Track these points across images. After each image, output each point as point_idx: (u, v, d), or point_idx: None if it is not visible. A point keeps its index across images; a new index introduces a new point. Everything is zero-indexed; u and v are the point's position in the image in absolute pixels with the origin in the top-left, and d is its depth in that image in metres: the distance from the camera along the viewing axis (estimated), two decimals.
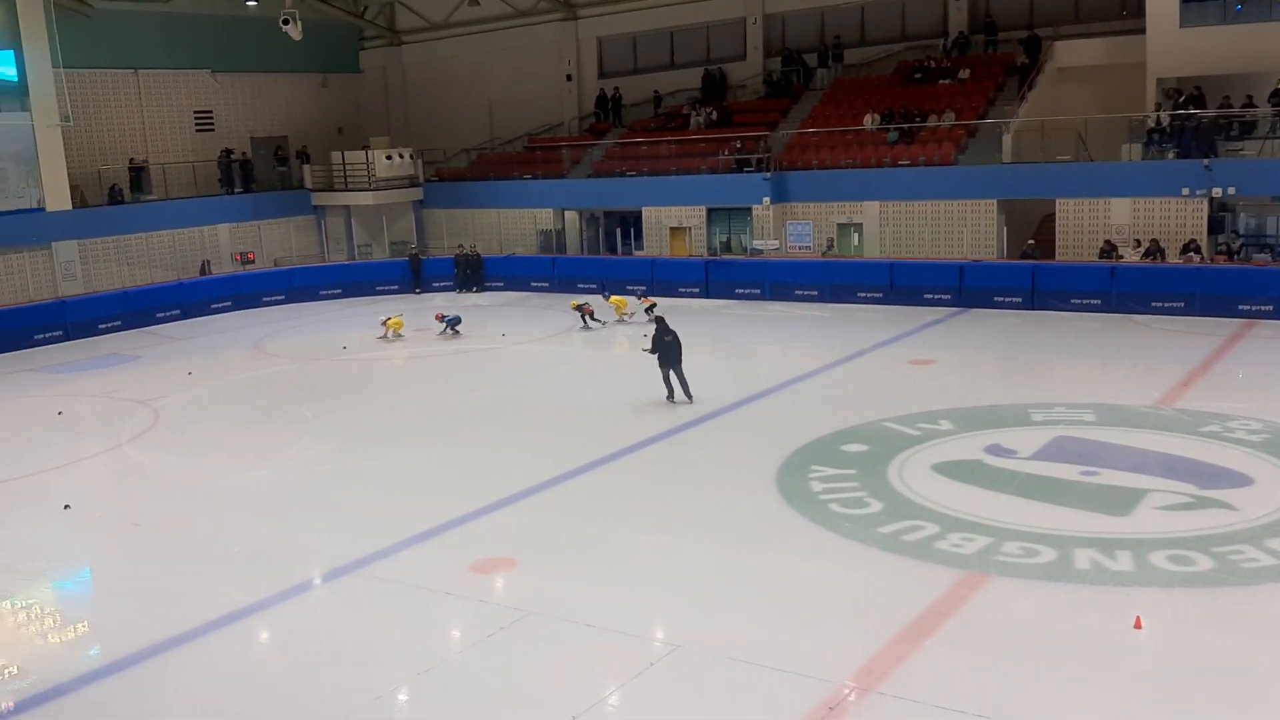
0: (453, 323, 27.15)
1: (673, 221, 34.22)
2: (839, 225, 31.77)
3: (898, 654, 9.97)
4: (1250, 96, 27.86)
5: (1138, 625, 10.25)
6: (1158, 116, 28.21)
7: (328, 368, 24.93)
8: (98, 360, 26.60)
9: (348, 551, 13.07)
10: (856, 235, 31.59)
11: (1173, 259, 26.80)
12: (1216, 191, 26.67)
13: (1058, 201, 28.86)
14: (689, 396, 19.34)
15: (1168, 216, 27.52)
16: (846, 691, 9.30)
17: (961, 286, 27.89)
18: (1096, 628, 10.38)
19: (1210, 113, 27.62)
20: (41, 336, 29.06)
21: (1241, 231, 27.98)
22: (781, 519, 13.64)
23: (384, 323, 27.32)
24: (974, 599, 11.09)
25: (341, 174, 37.84)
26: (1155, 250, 27.00)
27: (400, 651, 10.57)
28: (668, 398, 19.44)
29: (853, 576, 11.88)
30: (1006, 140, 29.61)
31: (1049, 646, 10.03)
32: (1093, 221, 28.35)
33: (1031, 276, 27.16)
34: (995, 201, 29.47)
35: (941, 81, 32.79)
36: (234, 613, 11.59)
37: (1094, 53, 31.45)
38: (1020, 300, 27.09)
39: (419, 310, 31.21)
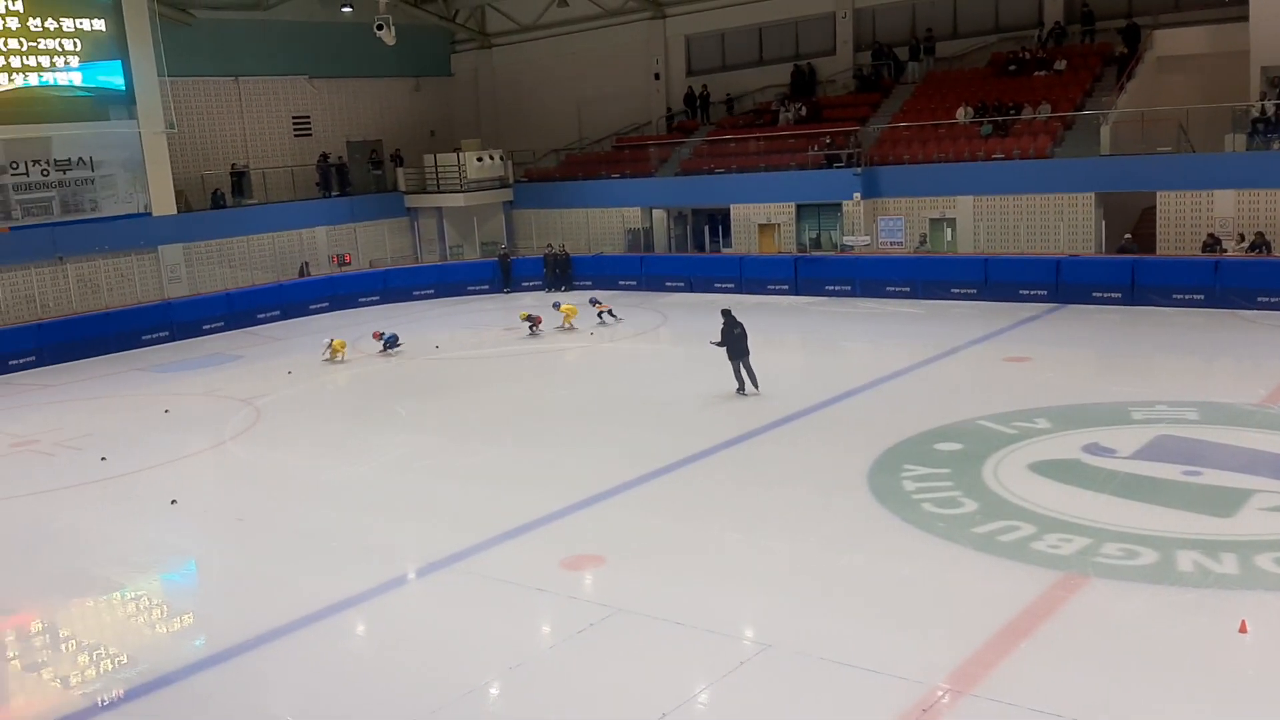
0: (390, 341, 26.16)
1: (761, 218, 34.08)
2: (931, 220, 31.32)
3: (992, 656, 9.81)
4: None
5: (1243, 629, 9.93)
6: (1262, 106, 27.28)
7: (421, 366, 25.35)
8: (202, 360, 27.43)
9: (442, 546, 13.30)
10: (950, 230, 31.11)
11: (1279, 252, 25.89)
12: None
13: (1158, 194, 28.06)
14: (756, 387, 19.65)
15: (1274, 209, 26.58)
16: (940, 694, 9.19)
17: (1058, 282, 27.29)
18: (1199, 632, 10.09)
19: None
20: (149, 337, 30.09)
21: None
22: (873, 519, 13.50)
23: (328, 345, 25.77)
24: (1072, 601, 10.86)
25: (434, 176, 38.46)
26: (1261, 244, 26.10)
27: (491, 646, 10.72)
28: (738, 390, 19.70)
29: (946, 577, 11.72)
30: (1105, 132, 28.87)
31: (1149, 651, 9.79)
32: (1195, 214, 27.50)
33: (1131, 271, 26.45)
34: (1093, 195, 28.76)
35: (1037, 73, 32.12)
36: (332, 606, 11.87)
37: (1195, 41, 30.53)
38: (1119, 296, 26.39)
39: (506, 309, 31.57)
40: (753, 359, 19.81)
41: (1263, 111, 27.26)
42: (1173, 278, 25.95)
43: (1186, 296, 25.56)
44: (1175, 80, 30.49)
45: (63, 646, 11.73)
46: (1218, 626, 10.08)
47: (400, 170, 39.38)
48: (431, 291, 35.72)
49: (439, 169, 38.35)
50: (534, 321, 27.40)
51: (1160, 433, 16.01)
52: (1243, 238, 26.52)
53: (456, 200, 38.14)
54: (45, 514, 16.05)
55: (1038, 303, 27.17)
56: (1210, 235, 27.00)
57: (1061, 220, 29.11)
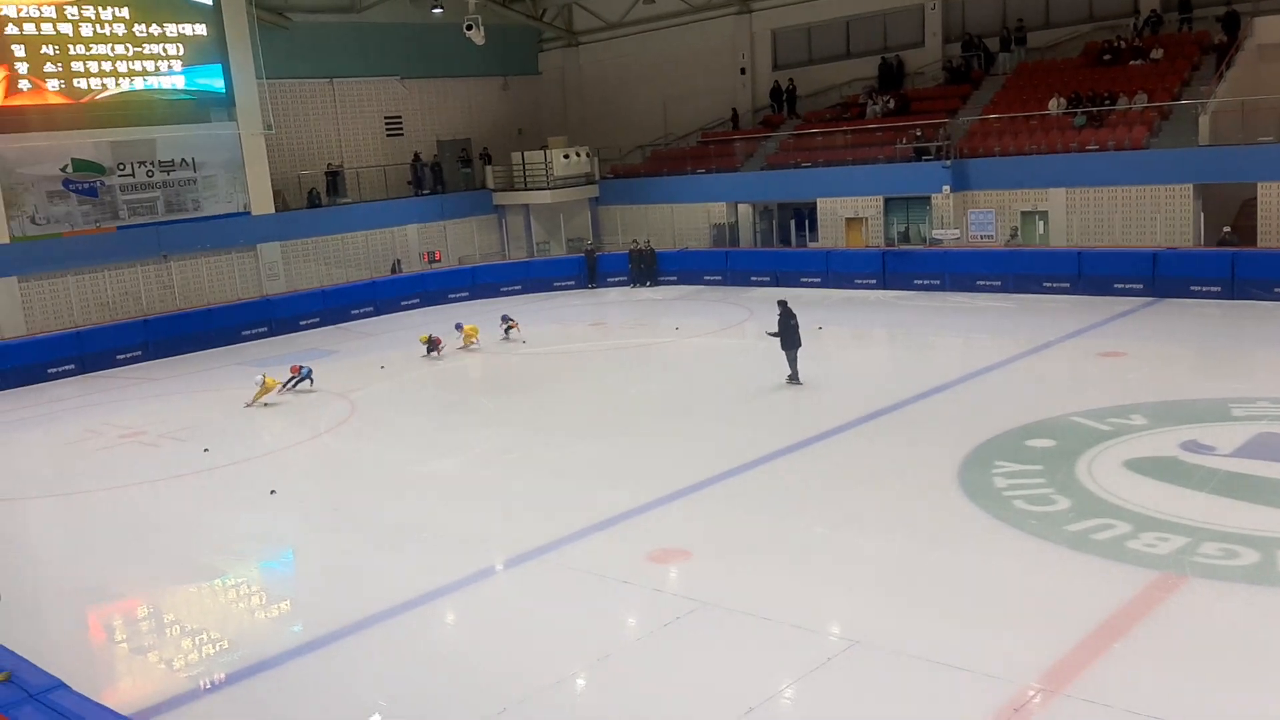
0: (305, 376, 23.28)
1: (848, 212, 33.79)
2: (1023, 213, 30.75)
3: (1086, 656, 9.65)
4: None
5: None
6: None
7: (509, 361, 25.67)
8: (299, 354, 28.09)
9: (529, 539, 13.48)
10: (1042, 223, 30.51)
11: None
12: None
13: (1259, 185, 27.16)
14: (799, 379, 20.39)
15: None
16: (1032, 693, 9.07)
17: (1155, 275, 26.59)
18: None
19: None
20: (249, 332, 30.97)
21: None
22: (964, 515, 13.34)
23: (259, 382, 22.42)
24: (1168, 601, 10.63)
25: (521, 173, 38.86)
26: None
27: (579, 637, 10.85)
28: (790, 379, 20.34)
29: (1039, 576, 11.54)
30: (1203, 122, 28.04)
31: (1249, 654, 9.54)
32: None
33: (1231, 264, 25.66)
34: (1191, 186, 27.97)
35: (1132, 62, 31.30)
36: (423, 595, 12.13)
37: None
38: (1219, 290, 25.62)
39: (593, 305, 31.78)
40: (842, 353, 19.72)
41: None
42: (1275, 271, 25.11)
43: None
44: (1276, 69, 29.47)
45: (167, 631, 12.17)
46: None
47: (489, 168, 39.88)
48: (519, 287, 36.12)
49: (526, 166, 38.75)
50: (434, 344, 25.98)
51: (1262, 430, 15.55)
52: None
53: (543, 197, 38.49)
54: (151, 503, 16.65)
55: (1133, 296, 26.52)
56: None
57: (1158, 212, 28.36)
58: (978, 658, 9.69)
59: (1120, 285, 26.95)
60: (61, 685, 8.27)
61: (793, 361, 20.44)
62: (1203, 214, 28.06)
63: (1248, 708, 8.66)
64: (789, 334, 20.36)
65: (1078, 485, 13.91)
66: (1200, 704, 8.72)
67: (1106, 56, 32.00)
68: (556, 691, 9.88)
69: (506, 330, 27.53)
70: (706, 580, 11.99)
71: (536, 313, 32.18)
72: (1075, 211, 29.74)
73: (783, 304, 20.65)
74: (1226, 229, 27.58)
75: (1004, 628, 10.36)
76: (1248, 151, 27.16)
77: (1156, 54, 31.09)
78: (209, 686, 10.58)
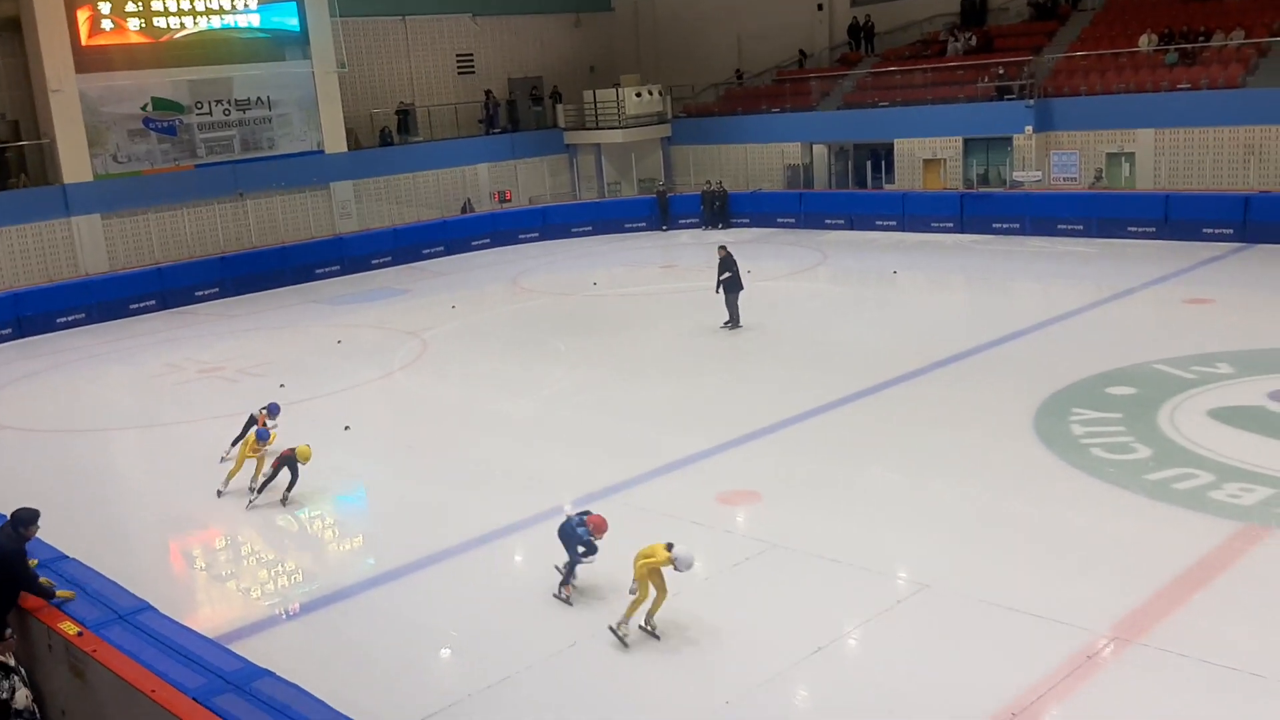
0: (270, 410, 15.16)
1: (926, 154, 33.06)
2: (1108, 155, 29.82)
3: (1164, 606, 9.46)
4: None
5: None
6: None
7: (580, 302, 25.69)
8: (371, 293, 28.43)
9: (600, 478, 13.53)
10: (1128, 165, 29.58)
11: None
12: None
13: None
14: (739, 324, 20.94)
15: None
16: (1104, 642, 8.92)
17: (1246, 220, 25.68)
18: None
19: None
20: (322, 271, 31.34)
21: None
22: (1039, 462, 13.12)
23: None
24: (1251, 553, 10.37)
25: (593, 112, 38.57)
26: None
27: None
28: (728, 324, 20.87)
29: (1116, 524, 11.32)
30: None
31: None
32: None
33: None
34: None
35: None
36: (494, 531, 12.26)
37: None
38: None
39: (665, 246, 31.61)
40: (917, 298, 19.38)
41: None
42: None
43: None
44: None
45: (246, 560, 12.46)
46: None
47: (560, 107, 39.65)
48: (590, 229, 36.03)
49: (598, 105, 38.44)
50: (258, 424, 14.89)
51: None
52: None
53: (615, 136, 38.20)
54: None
55: (1223, 242, 25.67)
56: None
57: (1252, 155, 27.33)
58: (1050, 605, 9.54)
59: (1209, 230, 26.09)
60: (149, 607, 8.51)
61: (732, 306, 20.81)
62: None
63: None
64: (732, 280, 20.73)
65: (1159, 434, 13.58)
66: (1278, 658, 8.51)
67: None
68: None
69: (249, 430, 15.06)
70: (776, 522, 11.95)
71: (607, 254, 32.11)
72: (1164, 153, 28.77)
73: (723, 249, 20.94)
74: None
75: (1078, 576, 10.19)
76: None
77: None
78: (287, 614, 10.83)
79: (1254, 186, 26.87)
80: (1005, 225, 29.64)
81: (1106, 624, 9.17)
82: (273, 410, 15.14)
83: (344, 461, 15.43)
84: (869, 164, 35.13)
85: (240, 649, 8.68)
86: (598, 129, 38.51)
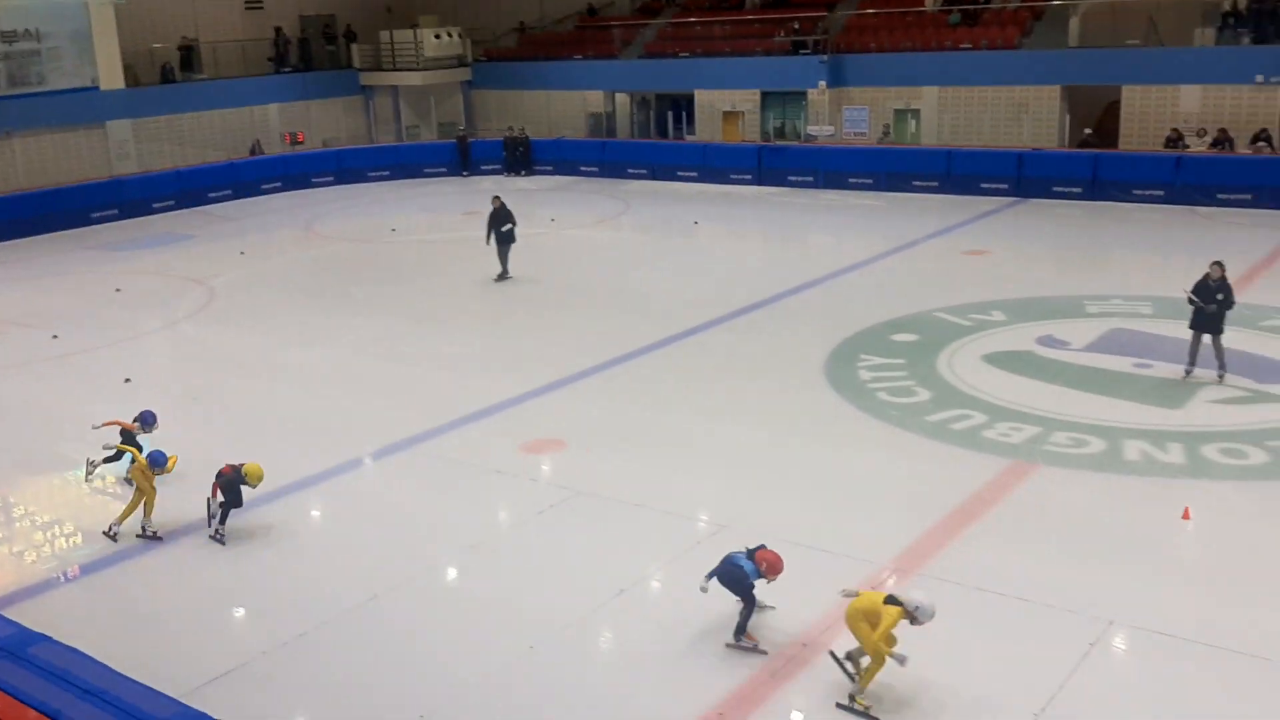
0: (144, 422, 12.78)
1: (726, 106, 33.60)
2: (896, 111, 31.05)
3: (941, 538, 10.05)
4: None
5: (1185, 516, 10.22)
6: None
7: (378, 249, 25.05)
8: (153, 239, 26.91)
9: (399, 429, 13.30)
10: (914, 122, 30.88)
11: (1241, 149, 25.97)
12: None
13: (1124, 89, 27.94)
14: (509, 274, 20.87)
15: (1239, 105, 26.59)
16: (887, 573, 9.42)
17: (1020, 176, 27.25)
18: (1144, 518, 10.38)
19: None
20: (98, 215, 29.37)
21: None
22: (829, 406, 13.66)
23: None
24: (1020, 487, 11.11)
25: (389, 53, 37.43)
26: (1223, 140, 26.16)
27: (450, 526, 10.81)
28: (500, 276, 20.78)
29: (898, 463, 11.92)
30: (1073, 24, 28.57)
31: (1095, 535, 10.07)
32: (1159, 110, 27.47)
33: (1093, 166, 26.46)
34: (1059, 88, 28.60)
35: None
36: (290, 485, 11.89)
37: None
38: (1080, 191, 26.41)
39: (466, 192, 31.14)
40: (717, 248, 19.77)
41: (1233, 5, 27.04)
42: (1134, 173, 25.99)
43: (1147, 192, 25.62)
44: None
45: (18, 524, 11.69)
46: (1162, 513, 10.37)
47: (355, 47, 38.28)
48: (387, 173, 35.06)
49: (395, 46, 37.31)
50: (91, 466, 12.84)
51: (1114, 326, 16.24)
52: (1203, 133, 26.57)
53: (413, 79, 37.21)
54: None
55: (999, 196, 27.18)
56: (1174, 130, 27.01)
57: (1026, 113, 28.97)
58: (839, 540, 10.01)
59: (987, 185, 27.55)
60: None
61: (504, 258, 20.71)
62: (1068, 115, 28.76)
63: (1093, 585, 9.12)
64: (508, 233, 20.62)
65: (938, 378, 14.35)
66: (1048, 581, 9.16)
67: None
68: (428, 578, 9.86)
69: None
70: (580, 469, 12.04)
71: (406, 200, 31.38)
72: (947, 110, 30.16)
73: (497, 199, 20.77)
74: (1088, 131, 28.37)
75: (865, 512, 10.70)
76: (1114, 54, 27.83)
77: None
78: (66, 577, 10.25)
79: (1026, 143, 28.51)
80: (800, 178, 30.49)
81: (889, 556, 9.68)
82: (146, 420, 12.25)
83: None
84: (670, 115, 35.46)
85: (14, 614, 8.17)
86: (395, 70, 37.41)
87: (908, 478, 11.54)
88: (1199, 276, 13.74)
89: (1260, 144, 25.78)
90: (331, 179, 34.39)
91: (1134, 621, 8.56)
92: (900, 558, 9.66)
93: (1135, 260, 21.56)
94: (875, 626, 7.46)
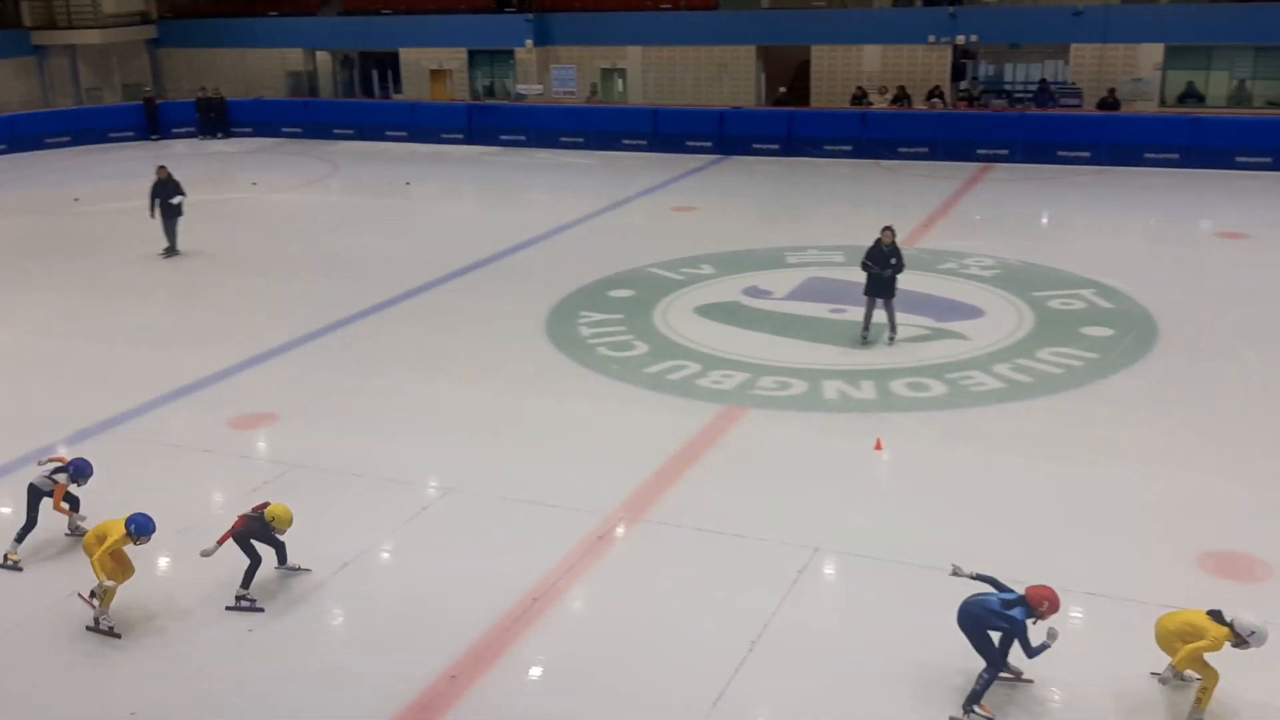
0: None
1: (433, 64, 33.05)
2: (603, 70, 31.51)
3: (662, 484, 10.42)
4: None
5: (878, 447, 11.05)
6: None
7: (60, 221, 23.12)
8: None
9: (93, 412, 12.41)
10: (621, 81, 31.45)
11: (918, 105, 28.05)
12: (960, 38, 27.92)
13: (813, 49, 29.52)
14: (177, 250, 19.47)
15: (914, 64, 28.68)
16: (612, 523, 9.68)
17: (722, 134, 28.34)
18: (842, 451, 11.14)
19: None
20: None
21: (981, 78, 29.51)
22: (550, 364, 13.82)
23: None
24: (732, 430, 11.67)
25: (64, 9, 34.40)
26: (902, 97, 28.17)
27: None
28: (168, 250, 19.42)
29: (619, 416, 12.24)
30: None
31: (800, 470, 10.72)
32: (846, 69, 29.23)
33: (788, 124, 27.87)
34: (754, 48, 29.86)
35: None
36: None
37: None
38: (777, 147, 27.79)
39: (157, 158, 29.24)
40: (431, 209, 19.46)
41: None
42: (825, 130, 27.59)
43: (837, 148, 27.28)
44: None
45: None
46: (857, 445, 11.15)
47: (25, 3, 34.89)
48: (67, 139, 32.30)
49: (70, 2, 34.33)
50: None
51: (811, 275, 17.26)
52: (884, 90, 28.49)
53: (91, 37, 34.42)
54: None
55: (703, 154, 28.17)
56: (859, 88, 28.82)
57: (726, 72, 30.09)
58: (565, 494, 10.18)
59: (692, 143, 28.49)
60: None
61: (171, 232, 19.38)
62: (764, 75, 30.11)
63: (800, 514, 9.72)
64: (172, 205, 19.26)
65: (654, 331, 14.81)
66: (761, 515, 9.69)
67: None
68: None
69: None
70: (295, 442, 11.65)
71: (90, 167, 29.08)
72: (651, 70, 30.90)
73: (162, 169, 19.60)
74: (782, 89, 29.82)
75: (589, 465, 10.93)
76: (804, 15, 29.35)
77: None
78: None
79: (727, 102, 29.65)
80: (512, 137, 30.47)
81: (614, 505, 9.95)
82: (82, 470, 9.53)
83: None
84: (375, 73, 34.51)
85: None
86: (70, 29, 34.49)
87: (629, 429, 11.87)
88: (887, 225, 14.69)
89: (934, 100, 27.93)
90: (4, 147, 31.32)
91: (837, 547, 9.20)
92: (625, 505, 9.95)
93: (828, 212, 22.93)
94: (1190, 642, 6.79)
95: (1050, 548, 9.06)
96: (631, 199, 23.55)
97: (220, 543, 8.61)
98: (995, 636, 7.00)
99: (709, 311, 15.60)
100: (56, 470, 9.53)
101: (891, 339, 13.96)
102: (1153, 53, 27.56)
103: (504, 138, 30.50)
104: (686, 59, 30.47)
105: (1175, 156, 24.56)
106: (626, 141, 29.12)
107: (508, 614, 8.37)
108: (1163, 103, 27.76)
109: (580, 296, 16.44)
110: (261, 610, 8.49)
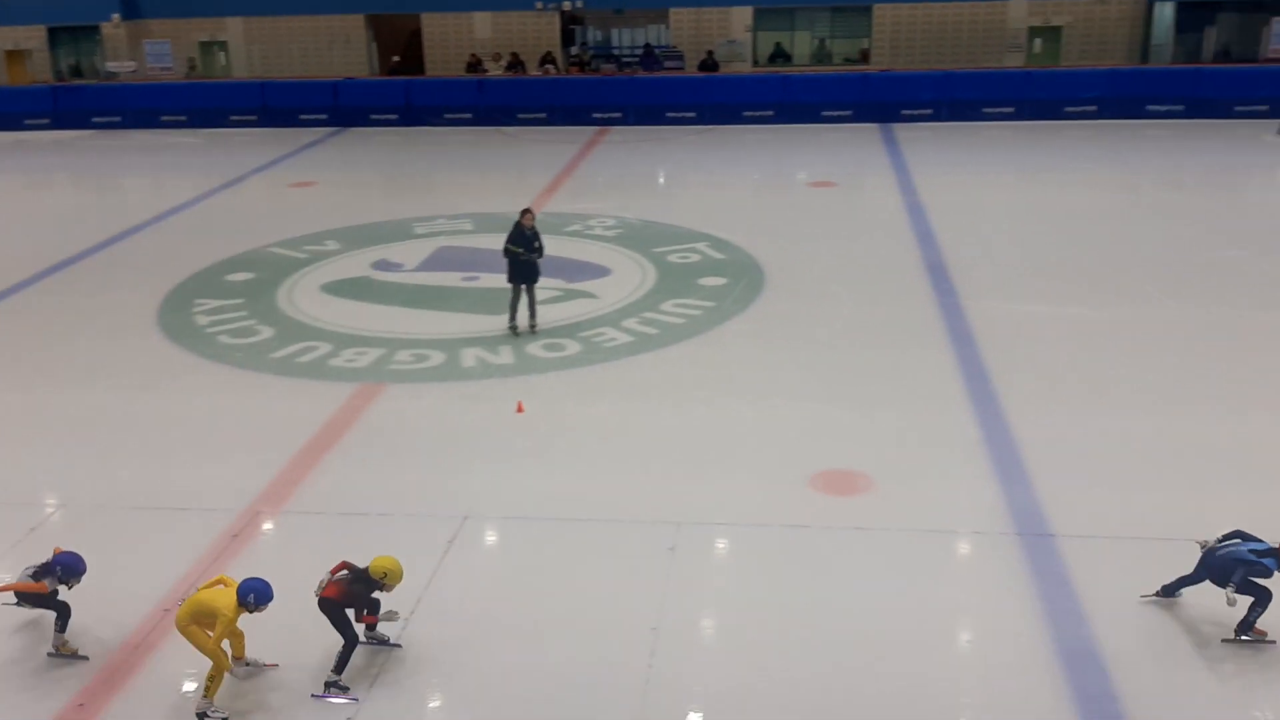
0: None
1: (8, 44, 29.75)
2: (201, 44, 29.65)
3: (299, 472, 10.03)
4: None
5: (519, 409, 11.20)
6: None
7: None
8: None
9: None
10: (223, 55, 29.72)
11: (533, 72, 28.47)
12: (566, 4, 28.55)
13: (423, 17, 29.20)
14: None
15: (525, 30, 29.06)
16: (249, 518, 9.22)
17: (337, 106, 27.49)
18: (485, 416, 11.18)
19: None
20: None
21: (590, 44, 30.36)
22: (166, 358, 12.93)
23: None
24: (370, 409, 11.41)
25: None
26: (516, 64, 28.48)
27: None
28: None
29: (248, 405, 11.65)
30: None
31: (444, 441, 10.68)
32: (458, 36, 29.17)
33: (405, 93, 27.45)
34: (363, 17, 29.14)
35: None
36: None
37: None
38: (396, 117, 27.33)
39: None
40: (14, 202, 17.58)
41: None
42: (443, 98, 27.41)
43: (456, 116, 27.20)
44: None
45: None
46: (500, 409, 11.24)
47: None
48: None
49: None
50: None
51: (441, 244, 17.17)
52: (498, 57, 28.69)
53: None
54: None
55: (319, 127, 27.22)
56: (473, 56, 28.83)
57: (342, 43, 29.17)
58: (195, 495, 9.58)
59: (306, 116, 27.44)
60: None
61: None
62: (375, 44, 29.46)
63: (443, 488, 9.66)
64: None
65: (279, 313, 14.20)
66: (405, 492, 9.55)
67: None
68: None
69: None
70: None
71: None
72: (255, 42, 29.43)
73: None
74: (396, 58, 29.32)
75: (219, 461, 10.33)
76: None
77: None
78: None
79: (340, 73, 28.76)
80: (105, 119, 28.06)
81: (249, 500, 9.47)
82: (75, 568, 7.64)
83: None
84: None
85: None
86: None
87: (259, 418, 11.31)
88: (513, 191, 14.77)
89: (547, 66, 28.46)
90: None
91: (486, 513, 9.26)
92: (260, 499, 9.49)
93: (453, 181, 22.85)
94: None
95: (682, 484, 9.57)
96: (245, 177, 22.39)
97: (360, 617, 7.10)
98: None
99: (337, 289, 15.15)
100: (39, 571, 7.59)
101: (534, 326, 13.39)
102: (743, 15, 29.45)
103: (97, 120, 28.01)
104: (294, 29, 29.23)
105: (770, 114, 26.44)
106: (234, 118, 27.58)
107: (137, 630, 7.79)
108: (756, 63, 29.76)
109: (194, 283, 15.47)
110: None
